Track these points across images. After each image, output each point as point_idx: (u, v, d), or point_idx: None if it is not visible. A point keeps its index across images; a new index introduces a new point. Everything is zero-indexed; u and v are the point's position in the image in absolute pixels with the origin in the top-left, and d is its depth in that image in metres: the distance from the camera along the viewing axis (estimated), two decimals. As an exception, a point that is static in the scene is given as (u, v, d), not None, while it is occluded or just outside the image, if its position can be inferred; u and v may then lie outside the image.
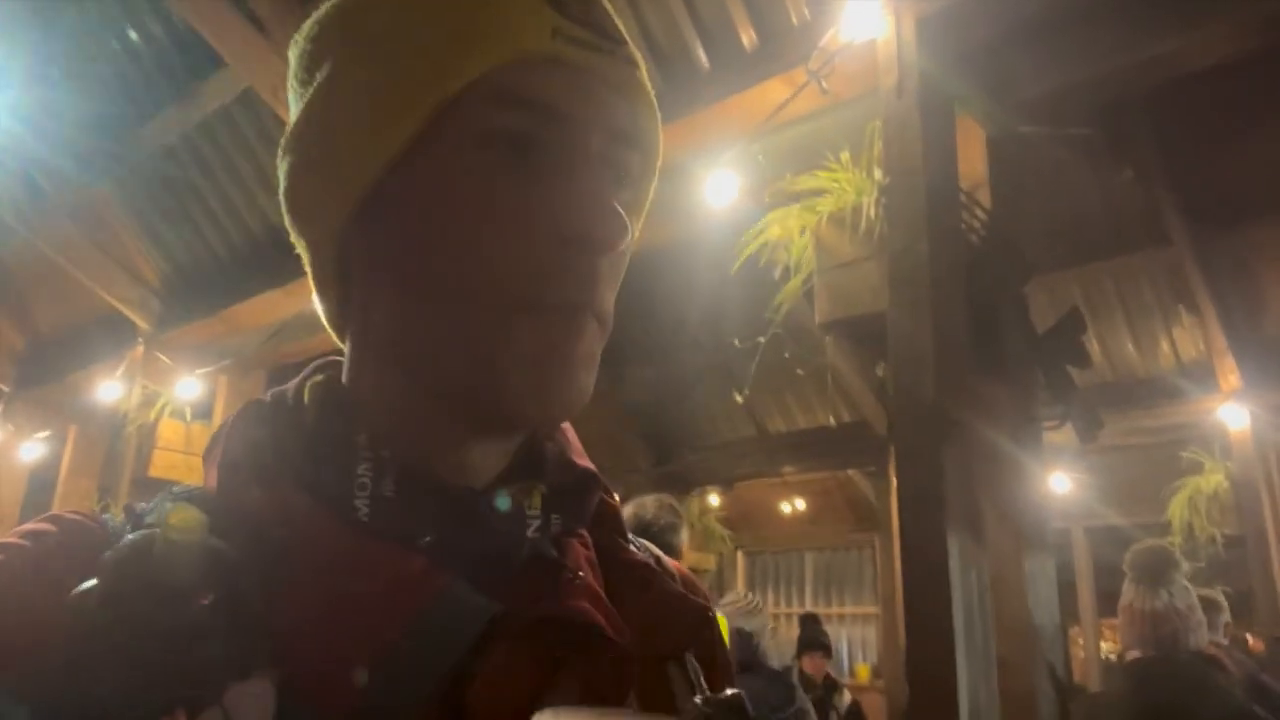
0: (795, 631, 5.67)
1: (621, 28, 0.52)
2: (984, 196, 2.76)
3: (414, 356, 0.49)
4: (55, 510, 0.49)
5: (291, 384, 0.53)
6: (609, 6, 0.52)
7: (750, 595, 3.58)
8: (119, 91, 4.63)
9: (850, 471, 7.08)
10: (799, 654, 5.09)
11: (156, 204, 5.22)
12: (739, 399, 3.39)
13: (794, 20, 2.96)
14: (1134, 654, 2.37)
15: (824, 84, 2.63)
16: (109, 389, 5.33)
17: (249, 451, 0.49)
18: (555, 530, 0.51)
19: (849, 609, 8.52)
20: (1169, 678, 2.25)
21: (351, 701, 0.40)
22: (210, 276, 5.20)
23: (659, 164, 0.57)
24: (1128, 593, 2.45)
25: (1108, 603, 7.29)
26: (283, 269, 4.68)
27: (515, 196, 0.47)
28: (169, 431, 5.02)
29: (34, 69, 4.24)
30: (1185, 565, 2.49)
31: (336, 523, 0.46)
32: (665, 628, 0.53)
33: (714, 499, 7.82)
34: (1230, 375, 5.21)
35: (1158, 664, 2.29)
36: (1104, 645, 7.53)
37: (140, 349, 5.34)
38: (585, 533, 0.54)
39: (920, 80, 2.51)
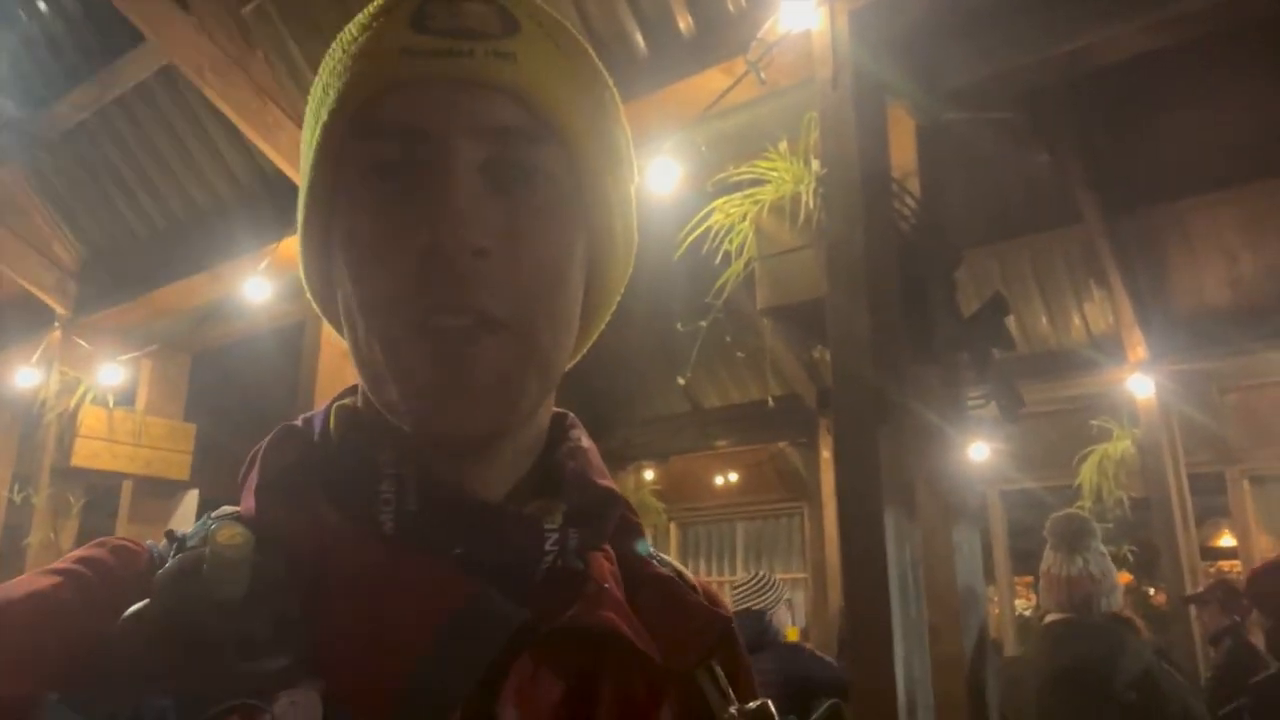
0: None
1: (519, 11, 0.50)
2: (913, 184, 2.86)
3: (365, 385, 0.52)
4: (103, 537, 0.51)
5: (322, 408, 0.56)
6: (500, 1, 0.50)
7: (761, 572, 3.61)
8: (30, 65, 4.43)
9: (781, 444, 7.24)
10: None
11: (72, 184, 5.01)
12: (681, 382, 3.45)
13: (731, 8, 3.00)
14: (1053, 616, 2.52)
15: (762, 74, 2.68)
16: (24, 375, 5.13)
17: (281, 473, 0.51)
18: (572, 546, 0.52)
19: (779, 574, 8.73)
20: (1085, 639, 2.40)
21: (389, 708, 0.42)
22: (131, 259, 5.03)
23: (596, 147, 0.53)
24: (1047, 559, 2.59)
25: (1022, 562, 7.64)
26: (207, 252, 4.56)
27: (384, 222, 0.48)
28: (91, 419, 4.85)
29: (-63, 43, 4.02)
30: (1100, 532, 2.65)
31: (365, 537, 0.48)
32: (689, 639, 0.54)
33: (649, 473, 7.91)
34: (1137, 347, 5.48)
35: (1074, 626, 2.44)
36: (1018, 603, 7.90)
37: (57, 333, 5.15)
38: (609, 547, 0.56)
39: (854, 72, 2.58)
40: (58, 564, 0.47)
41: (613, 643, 0.49)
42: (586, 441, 0.59)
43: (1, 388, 5.44)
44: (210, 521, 0.50)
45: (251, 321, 4.66)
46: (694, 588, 0.61)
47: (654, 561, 0.59)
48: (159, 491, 5.15)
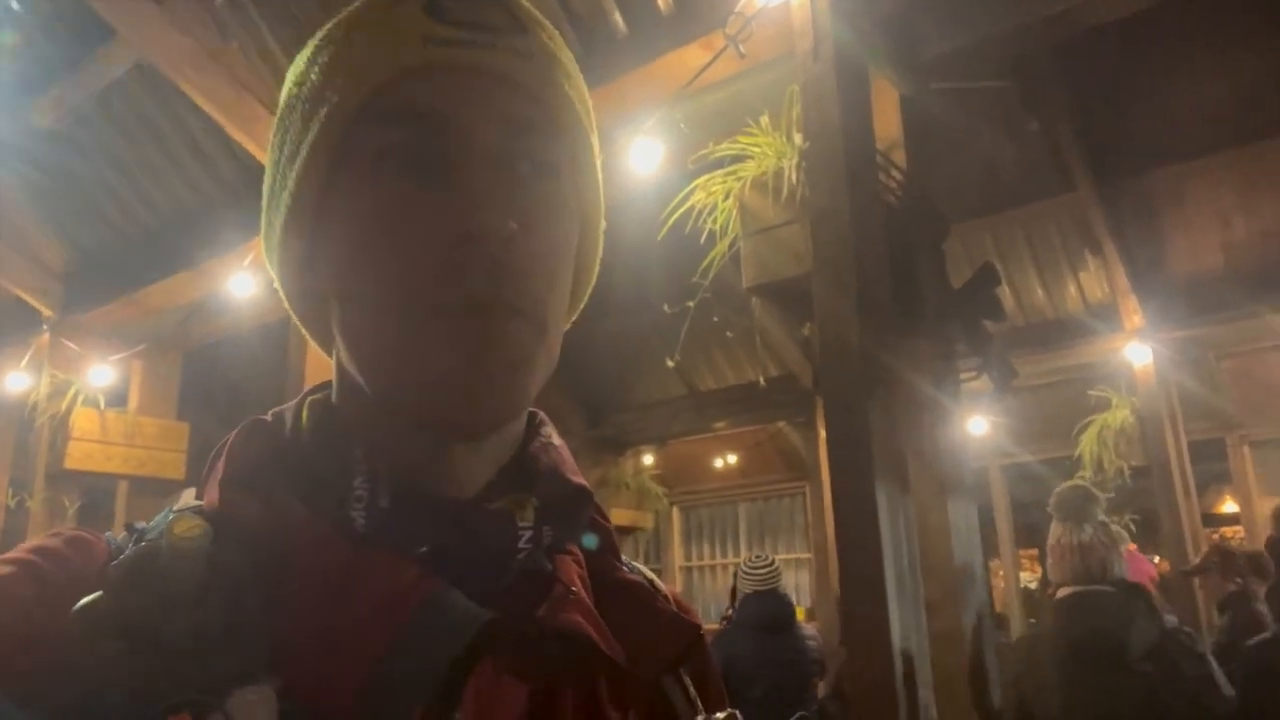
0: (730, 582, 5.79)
1: (521, 13, 0.52)
2: (899, 156, 2.82)
3: (364, 371, 0.51)
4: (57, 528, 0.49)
5: (291, 403, 0.55)
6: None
7: (764, 554, 3.73)
8: (3, 69, 4.38)
9: (780, 423, 7.21)
10: (731, 604, 5.24)
11: (54, 185, 4.97)
12: (670, 364, 3.43)
13: (708, -18, 2.95)
14: (1064, 590, 2.48)
15: (741, 48, 2.64)
16: (14, 379, 5.11)
17: (248, 467, 0.50)
18: (547, 542, 0.51)
19: (782, 555, 8.73)
20: (1100, 609, 2.36)
21: (349, 708, 0.42)
22: (117, 259, 5.00)
23: (591, 143, 0.56)
24: (1055, 531, 2.56)
25: (1024, 535, 7.65)
26: (192, 248, 4.53)
27: (409, 206, 0.48)
28: (83, 421, 4.83)
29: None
30: (1104, 502, 2.62)
31: (334, 534, 0.47)
32: (657, 645, 0.54)
33: (648, 458, 7.90)
34: (1134, 315, 5.46)
35: (1088, 596, 2.40)
36: (1022, 575, 7.91)
37: (46, 336, 5.13)
38: (578, 550, 0.55)
39: (835, 43, 2.54)
40: (10, 554, 0.46)
41: (579, 647, 0.49)
42: (558, 439, 0.59)
43: (-6, 393, 5.41)
44: (171, 514, 0.48)
45: (240, 317, 4.63)
46: (665, 596, 0.60)
47: (624, 568, 0.58)
48: (155, 491, 5.14)
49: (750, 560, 3.74)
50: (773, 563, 3.70)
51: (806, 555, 8.19)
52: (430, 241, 0.47)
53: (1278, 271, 4.99)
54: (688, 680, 0.55)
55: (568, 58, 0.54)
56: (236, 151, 4.31)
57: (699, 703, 0.55)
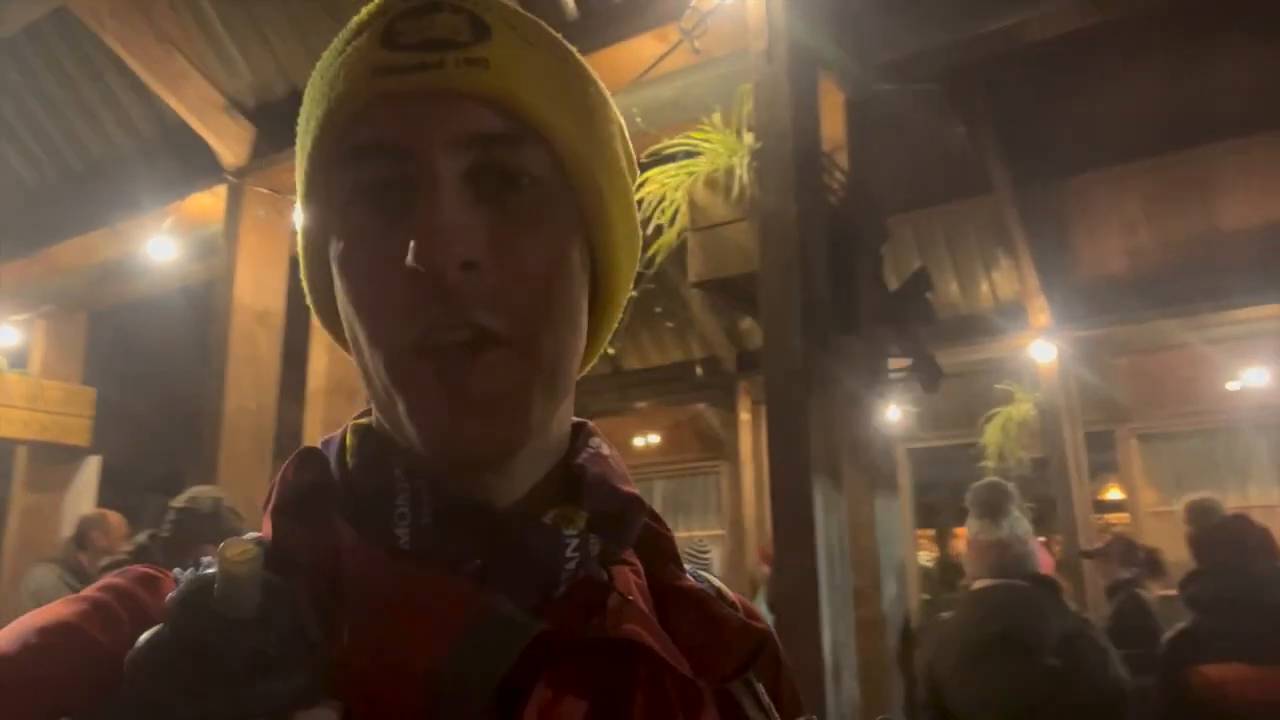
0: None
1: (488, 15, 0.49)
2: (842, 158, 2.89)
3: (374, 404, 0.52)
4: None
5: (340, 429, 0.55)
6: (468, 5, 0.49)
7: (704, 543, 3.84)
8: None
9: (700, 405, 7.33)
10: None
11: (-47, 131, 4.66)
12: (611, 352, 3.45)
13: (663, -28, 2.96)
14: (981, 583, 2.59)
15: (695, 43, 2.66)
16: (-96, 336, 4.81)
17: (298, 494, 0.51)
18: (595, 552, 0.50)
19: (696, 531, 8.92)
20: (1015, 603, 2.46)
21: None
22: (22, 212, 4.73)
23: (597, 135, 0.52)
24: (972, 527, 2.66)
25: (924, 516, 7.99)
26: (106, 206, 4.32)
27: (375, 245, 0.47)
28: (-19, 382, 4.59)
29: None
30: (1019, 499, 2.73)
31: (381, 553, 0.47)
32: (723, 653, 0.53)
33: (569, 435, 7.92)
34: (1041, 314, 5.73)
35: (1003, 590, 2.50)
36: (921, 555, 8.25)
37: (-60, 292, 4.83)
38: (636, 560, 0.55)
39: (789, 44, 2.58)
40: (83, 592, 0.47)
41: (640, 657, 0.48)
42: (607, 449, 0.57)
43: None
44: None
45: (155, 280, 4.46)
46: (732, 603, 0.59)
47: (687, 575, 0.57)
48: (58, 457, 4.92)
49: (687, 547, 3.87)
50: (708, 550, 3.83)
51: (720, 532, 8.38)
52: (393, 279, 0.46)
53: (1177, 278, 5.31)
54: (759, 686, 0.55)
55: (550, 55, 0.52)
56: (159, 108, 4.12)
57: (773, 710, 0.54)
